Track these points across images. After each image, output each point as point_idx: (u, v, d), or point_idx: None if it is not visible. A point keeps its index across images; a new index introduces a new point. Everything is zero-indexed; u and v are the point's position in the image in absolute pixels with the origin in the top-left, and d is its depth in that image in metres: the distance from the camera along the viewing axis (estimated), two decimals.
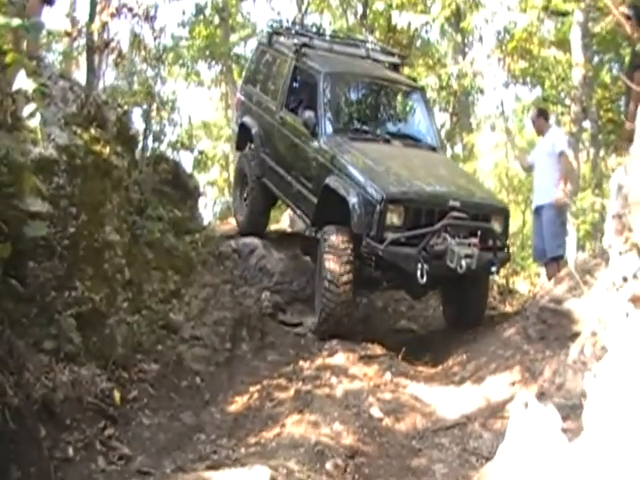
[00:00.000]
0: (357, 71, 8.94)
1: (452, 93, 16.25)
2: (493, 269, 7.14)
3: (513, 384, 5.62)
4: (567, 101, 16.38)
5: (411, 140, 8.49)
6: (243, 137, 9.71)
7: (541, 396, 4.84)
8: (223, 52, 20.37)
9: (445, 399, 5.79)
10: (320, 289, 7.04)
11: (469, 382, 6.08)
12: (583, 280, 6.21)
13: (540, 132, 8.78)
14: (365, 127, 8.43)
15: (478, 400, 5.66)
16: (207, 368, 6.40)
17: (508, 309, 8.60)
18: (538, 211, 8.45)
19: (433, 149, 8.54)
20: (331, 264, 6.85)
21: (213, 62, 21.95)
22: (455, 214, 6.84)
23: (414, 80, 10.12)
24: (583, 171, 15.21)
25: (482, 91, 16.89)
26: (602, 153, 16.93)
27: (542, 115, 8.93)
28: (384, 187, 6.83)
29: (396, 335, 8.12)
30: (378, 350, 6.80)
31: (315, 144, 7.82)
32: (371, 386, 5.89)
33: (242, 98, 10.07)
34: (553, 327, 6.19)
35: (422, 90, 9.53)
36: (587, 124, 15.50)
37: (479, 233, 6.89)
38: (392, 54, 9.98)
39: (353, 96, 9.03)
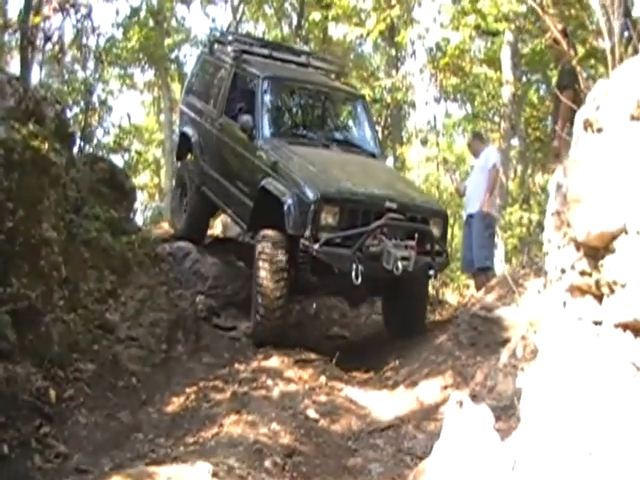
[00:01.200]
0: (296, 76, 9.05)
1: (385, 106, 16.54)
2: (431, 273, 7.10)
3: (445, 388, 5.82)
4: (496, 118, 16.97)
5: (350, 146, 8.63)
6: (184, 147, 9.71)
7: (473, 399, 5.03)
8: (158, 56, 20.24)
9: (379, 402, 5.96)
10: (254, 296, 7.03)
11: (402, 386, 6.26)
12: (512, 289, 6.52)
13: (475, 154, 9.12)
14: (304, 132, 8.58)
15: (411, 403, 5.85)
16: (143, 368, 6.40)
17: (439, 318, 8.83)
18: (468, 221, 8.74)
19: (373, 156, 8.65)
20: (264, 271, 6.84)
21: (147, 66, 21.78)
22: (392, 215, 6.85)
23: (355, 88, 10.33)
24: (511, 187, 15.73)
25: (414, 105, 17.25)
26: (530, 170, 17.58)
27: (477, 138, 9.41)
28: (319, 186, 6.83)
29: (329, 341, 8.27)
30: (312, 355, 6.92)
31: (252, 147, 7.86)
32: (306, 389, 6.01)
33: (183, 108, 10.09)
34: (484, 334, 6.43)
35: (363, 98, 9.69)
36: (515, 141, 16.13)
37: (416, 236, 6.87)
38: (332, 63, 10.15)
39: (292, 102, 9.22)
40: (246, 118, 7.87)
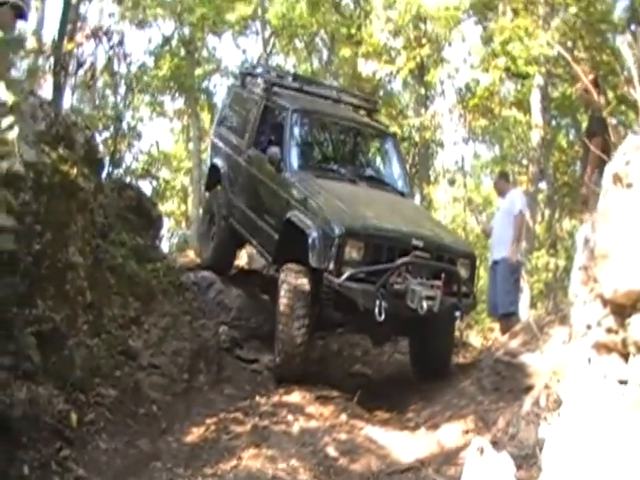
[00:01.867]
0: (326, 110, 9.12)
1: (413, 144, 16.61)
2: (457, 314, 7.04)
3: (467, 432, 5.79)
4: (525, 161, 16.98)
5: (378, 183, 8.67)
6: (213, 177, 9.79)
7: (494, 445, 5.00)
8: (188, 85, 20.55)
9: (400, 443, 5.93)
10: (277, 332, 7.02)
11: (424, 428, 6.24)
12: (537, 336, 6.50)
13: (501, 193, 9.18)
14: (332, 166, 8.65)
15: (432, 446, 5.82)
16: (164, 397, 6.45)
17: (462, 361, 8.79)
18: (494, 266, 8.76)
19: (401, 194, 8.67)
20: (288, 305, 6.85)
21: (177, 94, 22.10)
22: (418, 253, 6.83)
23: (386, 127, 10.40)
24: (538, 231, 15.71)
25: (442, 145, 17.33)
26: (557, 215, 17.53)
27: (503, 177, 9.49)
28: (344, 221, 6.85)
29: (351, 379, 8.23)
30: (334, 392, 6.91)
31: (279, 180, 7.91)
32: (327, 426, 6.01)
33: (214, 139, 10.22)
34: (507, 379, 6.41)
35: (393, 136, 9.77)
36: (543, 185, 16.09)
37: (443, 276, 6.79)
38: (364, 99, 10.22)
39: (321, 135, 9.30)
40: (274, 150, 7.91)
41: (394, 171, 9.21)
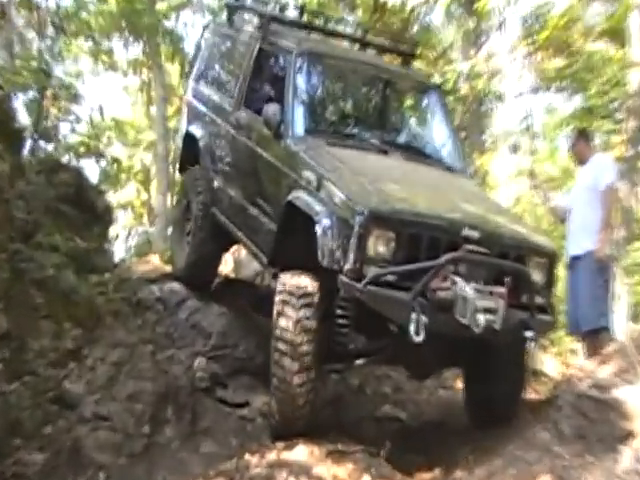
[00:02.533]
0: (344, 55, 9.08)
1: (460, 99, 16.56)
2: (529, 335, 6.73)
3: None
4: (620, 114, 16.82)
5: (418, 154, 8.57)
6: (188, 153, 9.83)
7: None
8: (146, 25, 20.46)
9: None
10: (271, 369, 6.89)
11: None
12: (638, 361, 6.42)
13: (581, 160, 9.09)
14: (352, 130, 8.61)
15: None
16: (116, 460, 6.46)
17: (533, 396, 8.73)
18: (573, 265, 8.66)
19: (451, 170, 8.56)
20: (286, 328, 6.70)
21: (131, 38, 22.07)
22: (472, 248, 6.61)
23: (429, 77, 10.27)
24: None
25: (501, 98, 17.25)
26: None
27: (583, 138, 9.31)
28: (367, 202, 6.63)
29: (377, 425, 8.26)
30: (353, 444, 6.84)
31: (278, 149, 7.86)
32: None
33: (190, 100, 10.29)
34: (596, 423, 6.33)
35: (439, 89, 9.61)
36: None
37: (508, 280, 6.59)
38: (399, 41, 10.22)
39: (337, 88, 9.25)
40: (272, 109, 7.79)
41: (440, 137, 9.12)
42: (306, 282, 6.79)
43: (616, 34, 15.84)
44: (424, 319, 6.24)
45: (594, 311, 8.37)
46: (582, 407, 6.45)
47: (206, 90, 9.81)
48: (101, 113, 17.47)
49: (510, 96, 16.81)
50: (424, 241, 6.57)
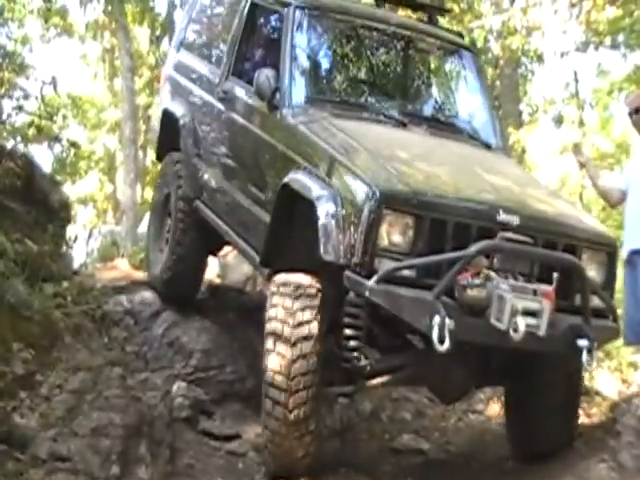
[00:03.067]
0: (354, 9, 8.94)
1: (491, 61, 16.55)
2: (583, 344, 6.41)
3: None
4: None
5: (447, 128, 8.51)
6: (168, 135, 9.85)
7: None
8: None
9: None
10: (263, 385, 6.80)
11: None
12: None
13: None
14: (364, 100, 8.58)
15: None
16: None
17: (585, 421, 8.75)
18: (633, 260, 8.66)
19: (487, 146, 8.51)
20: (280, 335, 6.59)
21: None
22: (510, 236, 6.45)
23: (460, 36, 10.04)
24: None
25: (541, 59, 17.26)
26: None
27: None
28: (380, 181, 6.49)
29: (395, 458, 8.26)
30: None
31: (273, 122, 7.86)
32: None
33: (170, 73, 10.33)
34: None
35: (472, 52, 9.59)
36: None
37: (556, 277, 6.38)
38: None
39: (346, 49, 9.05)
40: (265, 74, 7.72)
41: (472, 109, 9.09)
42: (306, 280, 6.70)
43: None
44: (450, 323, 6.02)
45: None
46: None
47: (189, 60, 9.85)
48: (54, 87, 17.41)
49: (552, 56, 16.78)
50: (450, 229, 6.41)
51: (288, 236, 7.23)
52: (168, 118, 9.84)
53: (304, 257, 6.92)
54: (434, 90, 9.63)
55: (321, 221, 6.58)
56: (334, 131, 7.38)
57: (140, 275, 10.80)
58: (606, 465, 6.62)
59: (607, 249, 6.98)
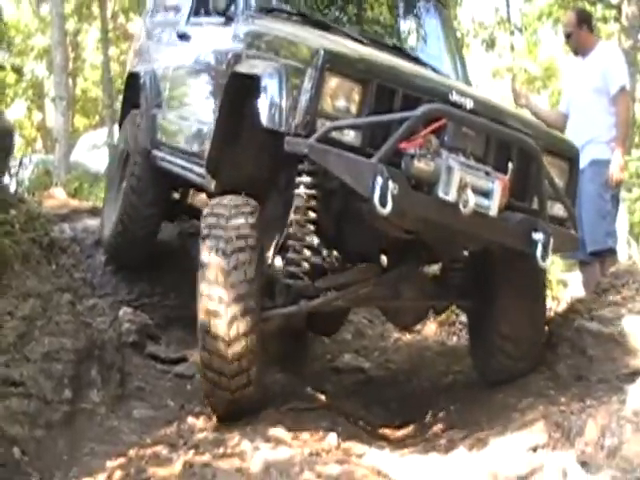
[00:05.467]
0: None
1: None
2: (539, 238, 6.12)
3: (535, 450, 5.90)
4: None
5: (410, 60, 7.85)
6: (131, 98, 9.75)
7: (584, 466, 5.17)
8: None
9: (425, 474, 6.05)
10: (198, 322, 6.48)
11: (463, 447, 6.33)
12: None
13: (580, 51, 9.10)
14: (326, 17, 8.28)
15: (479, 475, 5.94)
16: (32, 432, 6.42)
17: None
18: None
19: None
20: (213, 291, 6.25)
21: None
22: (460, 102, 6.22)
23: None
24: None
25: None
26: None
27: (585, 23, 9.24)
28: (324, 45, 6.19)
29: (337, 377, 8.46)
30: (312, 401, 7.07)
31: (227, 32, 7.70)
32: (306, 454, 6.07)
33: (142, 39, 10.33)
34: (597, 361, 6.58)
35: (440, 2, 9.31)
36: None
37: (511, 167, 6.12)
38: None
39: None
40: None
41: (438, 47, 8.94)
42: (241, 200, 6.47)
43: None
44: (393, 187, 5.66)
45: (601, 230, 8.57)
46: (581, 344, 6.66)
47: (158, 21, 9.85)
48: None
49: None
50: (398, 99, 6.10)
51: (235, 142, 6.97)
52: (132, 80, 9.81)
53: (251, 169, 6.90)
54: (402, 24, 9.37)
55: (262, 89, 6.41)
56: (287, 27, 7.29)
57: (77, 203, 10.84)
58: (543, 376, 6.82)
59: (568, 154, 6.80)
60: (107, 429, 6.88)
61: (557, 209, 6.57)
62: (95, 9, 26.93)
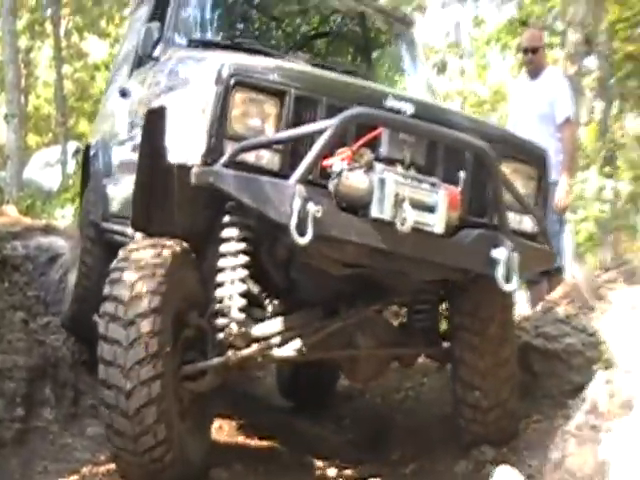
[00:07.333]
0: None
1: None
2: (499, 256, 5.23)
3: (484, 464, 6.01)
4: (559, 25, 17.12)
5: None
6: (86, 173, 9.18)
7: (530, 478, 5.28)
8: None
9: None
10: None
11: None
12: (589, 305, 6.77)
13: (534, 70, 9.24)
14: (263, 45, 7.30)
15: None
16: None
17: None
18: None
19: None
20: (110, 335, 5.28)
21: None
22: (393, 105, 5.39)
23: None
24: (584, 138, 15.93)
25: (423, 10, 17.40)
26: (615, 109, 17.74)
27: (542, 42, 9.51)
28: (232, 59, 5.41)
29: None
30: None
31: (151, 78, 6.92)
32: None
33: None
34: (542, 377, 6.69)
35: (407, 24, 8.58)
36: (592, 62, 16.28)
37: (463, 177, 5.32)
38: None
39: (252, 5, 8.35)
40: (149, 27, 6.88)
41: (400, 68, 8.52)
42: (152, 251, 5.48)
43: None
44: (315, 209, 4.84)
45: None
46: (526, 360, 6.67)
47: (113, 85, 9.17)
48: None
49: (433, 6, 16.98)
50: (322, 111, 5.27)
51: (161, 191, 5.86)
52: (87, 153, 9.21)
53: (183, 220, 5.84)
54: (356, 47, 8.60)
55: (170, 124, 5.60)
56: (202, 54, 6.19)
57: (30, 221, 10.85)
58: None
59: (535, 159, 5.89)
60: (60, 447, 6.87)
61: (526, 223, 5.70)
62: (48, 26, 26.87)
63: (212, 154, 5.06)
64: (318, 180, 5.08)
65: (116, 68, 9.44)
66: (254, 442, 7.16)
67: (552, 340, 6.74)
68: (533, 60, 9.17)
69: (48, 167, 23.52)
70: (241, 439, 7.20)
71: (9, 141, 21.47)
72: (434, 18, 19.06)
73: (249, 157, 5.08)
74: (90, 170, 8.65)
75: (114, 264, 5.44)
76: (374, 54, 8.38)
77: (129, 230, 6.58)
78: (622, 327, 6.14)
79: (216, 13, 7.71)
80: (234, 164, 5.02)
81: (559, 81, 9.22)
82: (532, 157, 5.85)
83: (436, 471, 6.35)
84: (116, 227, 7.44)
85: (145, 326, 5.09)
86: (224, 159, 5.01)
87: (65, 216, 16.62)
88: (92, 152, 8.71)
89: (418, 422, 7.32)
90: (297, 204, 4.79)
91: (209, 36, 7.32)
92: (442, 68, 17.56)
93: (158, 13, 7.42)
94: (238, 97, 5.14)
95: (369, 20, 8.27)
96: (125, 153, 7.46)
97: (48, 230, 10.37)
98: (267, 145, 5.13)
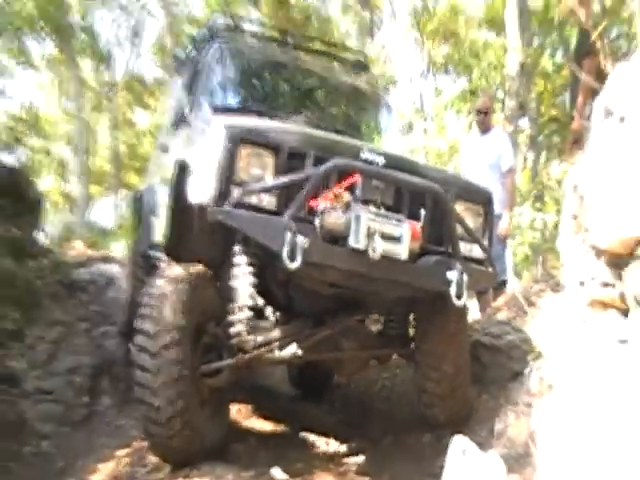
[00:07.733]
0: (269, 52, 7.89)
1: None
2: (452, 277, 5.31)
3: (444, 436, 5.98)
4: (500, 94, 17.23)
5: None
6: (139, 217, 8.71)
7: (479, 446, 5.26)
8: (56, 19, 20.04)
9: None
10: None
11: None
12: (524, 310, 6.78)
13: (484, 128, 9.19)
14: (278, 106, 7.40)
15: None
16: (59, 429, 6.55)
17: None
18: None
19: None
20: (150, 337, 5.39)
21: (46, 35, 21.71)
22: (367, 157, 5.47)
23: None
24: (520, 181, 15.97)
25: (394, 82, 17.42)
26: (543, 158, 17.85)
27: (491, 106, 9.42)
28: (239, 122, 5.53)
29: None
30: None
31: (181, 138, 6.93)
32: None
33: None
34: (489, 367, 6.66)
35: (384, 104, 8.58)
36: (525, 123, 16.34)
37: (424, 214, 5.39)
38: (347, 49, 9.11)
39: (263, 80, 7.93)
40: (180, 98, 7.03)
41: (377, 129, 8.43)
42: (185, 270, 5.63)
43: (495, 23, 16.17)
44: (303, 241, 4.97)
45: (498, 267, 8.65)
46: (477, 354, 6.67)
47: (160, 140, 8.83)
48: (31, 108, 17.19)
49: (402, 80, 17.02)
50: (311, 161, 5.36)
51: (188, 225, 6.00)
52: (138, 199, 8.81)
53: (206, 249, 6.01)
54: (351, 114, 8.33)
55: (191, 172, 5.79)
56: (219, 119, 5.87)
57: (92, 253, 10.85)
58: None
59: (482, 199, 5.92)
60: (116, 427, 6.95)
61: (475, 250, 5.72)
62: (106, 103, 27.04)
63: (223, 196, 5.15)
64: (306, 217, 5.16)
65: (161, 129, 9.44)
66: (266, 422, 7.12)
67: (496, 338, 6.74)
68: (484, 120, 9.14)
69: (106, 211, 23.70)
70: (255, 420, 7.16)
71: (79, 193, 21.63)
72: (403, 90, 19.13)
73: (253, 200, 5.20)
74: (141, 211, 8.50)
75: (144, 299, 5.49)
76: (360, 116, 8.35)
77: (164, 256, 6.54)
78: (549, 327, 6.13)
79: (233, 85, 7.60)
80: (240, 204, 5.13)
81: (504, 138, 9.19)
82: (480, 198, 5.90)
83: (407, 443, 6.39)
84: (157, 254, 7.31)
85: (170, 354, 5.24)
86: (232, 200, 5.11)
87: (119, 249, 16.64)
88: (142, 195, 8.61)
89: (392, 406, 7.31)
90: (288, 236, 4.92)
91: (228, 103, 7.24)
92: (409, 128, 17.56)
93: (190, 84, 7.38)
94: (243, 151, 5.26)
95: (358, 91, 8.21)
96: (165, 196, 7.09)
97: (106, 259, 10.38)
98: (268, 190, 5.22)
